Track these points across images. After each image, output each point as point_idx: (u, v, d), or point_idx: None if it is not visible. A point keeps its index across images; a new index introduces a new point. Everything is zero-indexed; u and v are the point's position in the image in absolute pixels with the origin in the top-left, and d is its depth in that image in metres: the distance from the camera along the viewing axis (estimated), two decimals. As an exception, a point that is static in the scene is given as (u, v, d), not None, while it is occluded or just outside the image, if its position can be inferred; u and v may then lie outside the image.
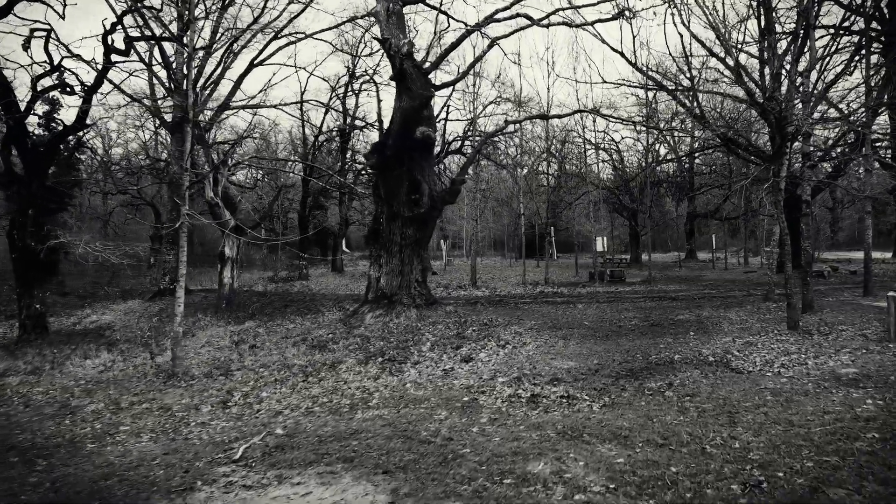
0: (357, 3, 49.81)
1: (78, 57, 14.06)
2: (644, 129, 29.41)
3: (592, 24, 13.55)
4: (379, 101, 26.35)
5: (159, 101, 18.94)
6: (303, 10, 18.65)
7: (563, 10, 14.16)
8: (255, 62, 18.84)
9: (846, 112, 15.58)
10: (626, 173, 37.15)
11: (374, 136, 29.89)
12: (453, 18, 16.40)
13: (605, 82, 27.74)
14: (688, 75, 13.91)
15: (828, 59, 17.27)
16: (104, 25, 13.60)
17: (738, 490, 3.86)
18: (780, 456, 4.38)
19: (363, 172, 31.28)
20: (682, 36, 15.97)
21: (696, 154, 35.95)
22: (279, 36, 18.72)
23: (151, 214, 28.09)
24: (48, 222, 14.52)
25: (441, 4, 17.20)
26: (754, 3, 11.65)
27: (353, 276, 27.77)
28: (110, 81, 15.52)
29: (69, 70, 14.46)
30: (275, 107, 21.00)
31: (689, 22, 12.33)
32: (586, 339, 10.87)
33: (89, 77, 23.54)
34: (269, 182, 36.24)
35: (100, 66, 13.75)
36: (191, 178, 10.41)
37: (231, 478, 4.56)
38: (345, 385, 8.15)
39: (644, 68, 15.35)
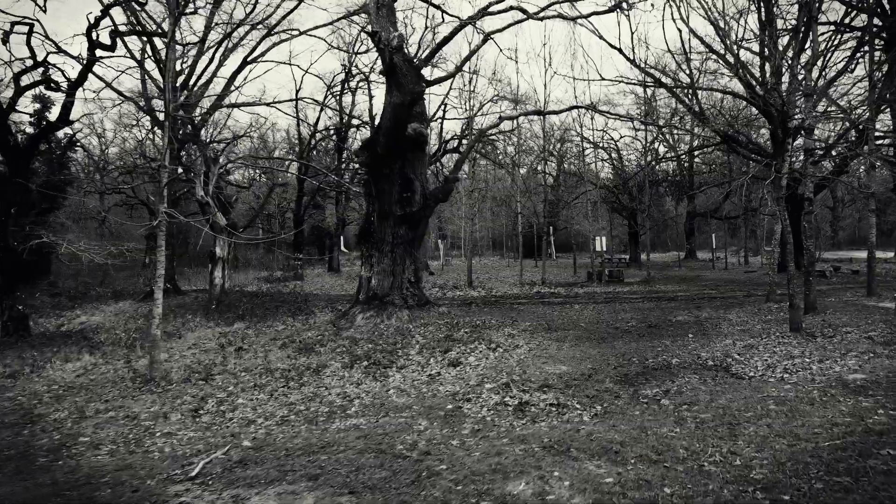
0: None
1: (64, 52, 13.69)
2: (643, 127, 29.00)
3: (588, 16, 13.15)
4: (371, 97, 25.91)
5: (152, 100, 18.54)
6: (296, 6, 18.28)
7: (560, 2, 13.77)
8: (249, 59, 18.45)
9: (848, 109, 15.22)
10: (625, 172, 36.75)
11: (370, 134, 29.46)
12: (447, 13, 15.93)
13: (603, 79, 27.30)
14: (687, 72, 13.53)
15: (829, 55, 16.88)
16: (89, 19, 13.24)
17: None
18: (785, 475, 3.98)
19: (359, 171, 30.90)
20: (680, 31, 15.61)
21: (696, 152, 35.54)
22: (272, 32, 18.35)
23: (146, 214, 27.72)
24: (37, 222, 14.15)
25: (434, -2, 16.81)
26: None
27: (350, 277, 27.38)
28: (98, 77, 15.15)
29: (55, 66, 14.11)
30: (268, 104, 20.57)
31: (687, 17, 12.01)
32: (581, 341, 10.47)
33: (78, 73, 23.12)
34: (266, 181, 35.90)
35: (84, 61, 13.39)
36: (170, 176, 10.06)
37: (183, 498, 4.16)
38: (325, 391, 7.75)
39: (643, 65, 15.00)
